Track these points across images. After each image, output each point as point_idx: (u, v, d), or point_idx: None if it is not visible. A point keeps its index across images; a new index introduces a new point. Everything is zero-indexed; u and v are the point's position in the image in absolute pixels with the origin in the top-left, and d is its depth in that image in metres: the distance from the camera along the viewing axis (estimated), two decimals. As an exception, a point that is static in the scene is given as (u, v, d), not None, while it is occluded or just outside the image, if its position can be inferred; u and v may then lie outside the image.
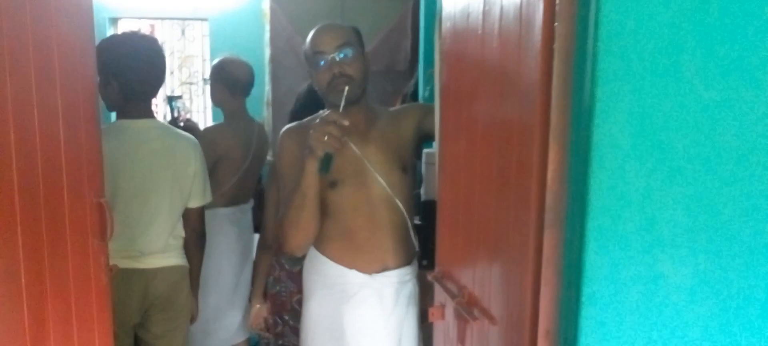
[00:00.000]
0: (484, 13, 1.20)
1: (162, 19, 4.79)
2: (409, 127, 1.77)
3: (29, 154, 1.12)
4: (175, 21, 4.81)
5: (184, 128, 2.58)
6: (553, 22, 0.94)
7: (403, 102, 3.78)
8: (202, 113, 4.99)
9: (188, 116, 2.68)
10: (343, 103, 1.53)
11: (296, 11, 3.91)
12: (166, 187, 1.96)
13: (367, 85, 1.68)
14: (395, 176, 1.69)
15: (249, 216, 2.77)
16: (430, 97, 3.20)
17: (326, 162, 1.48)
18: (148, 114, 1.99)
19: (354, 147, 1.67)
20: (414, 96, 3.77)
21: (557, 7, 0.92)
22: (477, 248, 1.26)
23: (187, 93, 5.00)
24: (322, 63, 1.61)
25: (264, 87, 4.20)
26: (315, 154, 1.48)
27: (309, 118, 1.74)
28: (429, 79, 3.40)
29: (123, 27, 4.68)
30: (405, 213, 1.71)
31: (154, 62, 1.96)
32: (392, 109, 1.85)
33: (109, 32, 4.55)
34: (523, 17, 1.03)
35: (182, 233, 2.07)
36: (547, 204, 0.91)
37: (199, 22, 4.78)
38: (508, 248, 1.08)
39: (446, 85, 1.49)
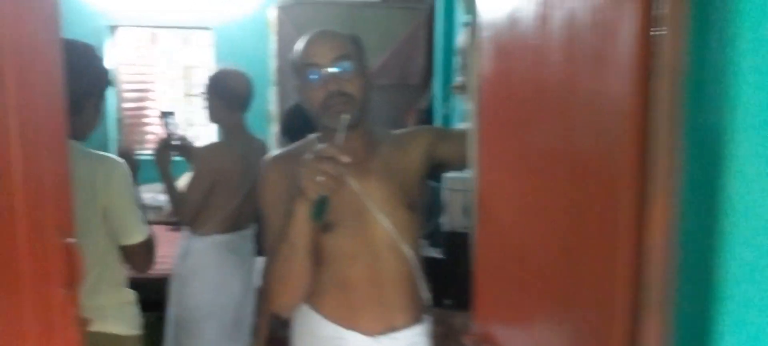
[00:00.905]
0: (540, 19, 0.96)
1: (163, 27, 4.58)
2: (418, 155, 1.48)
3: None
4: (178, 30, 4.60)
5: (179, 147, 2.34)
6: (649, 29, 0.70)
7: (418, 119, 3.55)
8: (205, 128, 4.77)
9: (181, 133, 2.42)
10: (343, 131, 1.27)
11: (304, 20, 3.69)
12: (93, 224, 1.64)
13: (369, 106, 1.42)
14: (401, 216, 1.41)
15: (250, 243, 2.53)
16: (450, 117, 2.98)
17: (320, 207, 1.21)
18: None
19: (352, 181, 1.38)
20: (429, 112, 3.55)
21: (657, 10, 0.68)
22: (536, 308, 1.01)
23: (189, 106, 4.78)
24: (315, 77, 1.33)
25: (268, 101, 3.97)
26: (307, 198, 1.21)
27: (298, 144, 1.48)
28: (447, 96, 3.17)
29: (122, 36, 4.47)
30: (414, 260, 1.44)
31: (75, 69, 1.58)
32: (396, 132, 1.56)
33: (108, 41, 4.35)
34: (601, 24, 0.79)
35: (122, 293, 1.73)
36: (647, 278, 0.67)
37: (203, 31, 4.57)
38: (586, 325, 0.83)
39: (486, 107, 1.24)
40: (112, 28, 4.37)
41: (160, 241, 2.01)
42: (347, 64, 1.34)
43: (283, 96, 3.87)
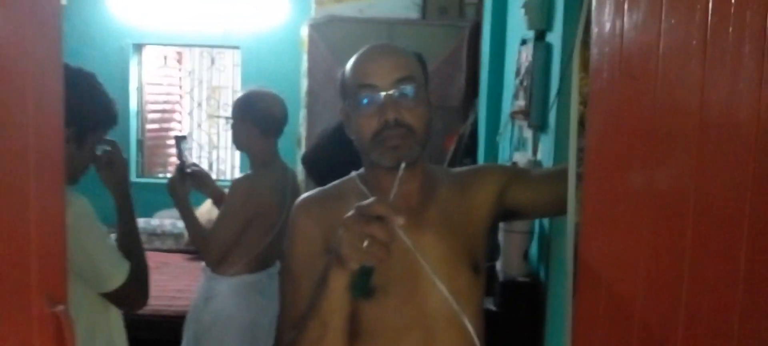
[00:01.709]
0: (681, 35, 0.67)
1: (190, 46, 4.40)
2: (485, 201, 1.20)
3: None
4: (205, 49, 4.41)
5: (194, 175, 2.10)
6: None
7: (458, 144, 3.27)
8: (231, 152, 4.56)
9: (193, 161, 2.17)
10: (399, 182, 0.99)
11: (337, 38, 3.45)
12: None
13: (429, 141, 1.14)
14: (463, 280, 1.14)
15: (275, 282, 2.26)
16: (502, 145, 2.70)
17: (363, 279, 0.92)
18: None
19: (403, 235, 1.05)
20: (472, 137, 3.27)
21: None
22: None
23: (214, 128, 4.57)
24: (369, 102, 1.09)
25: (298, 125, 3.74)
26: (346, 266, 0.93)
27: (337, 184, 1.21)
28: (496, 121, 2.89)
29: (147, 55, 4.30)
30: (475, 337, 1.14)
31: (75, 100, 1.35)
32: (457, 172, 1.27)
33: (133, 60, 4.18)
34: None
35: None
36: None
37: (230, 50, 4.37)
38: None
39: (595, 140, 0.95)
40: (137, 47, 4.19)
41: (180, 272, 1.77)
42: (410, 89, 1.08)
43: (312, 120, 3.62)
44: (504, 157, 2.63)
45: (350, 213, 0.92)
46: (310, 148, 1.73)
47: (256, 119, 2.09)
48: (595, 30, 0.90)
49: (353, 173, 1.20)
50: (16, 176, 0.86)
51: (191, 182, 2.08)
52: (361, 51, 1.15)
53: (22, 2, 0.86)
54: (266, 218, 2.08)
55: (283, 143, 3.06)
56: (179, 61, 4.58)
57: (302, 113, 3.65)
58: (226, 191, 2.17)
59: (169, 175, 4.52)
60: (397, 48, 1.15)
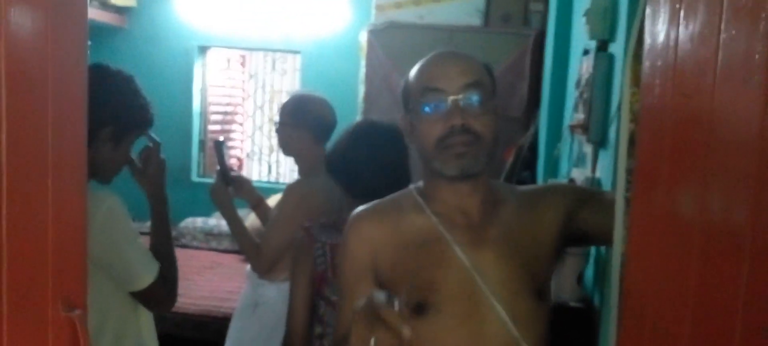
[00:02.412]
0: (765, 43, 0.57)
1: (253, 49, 4.47)
2: (553, 223, 1.12)
3: None
4: (267, 53, 4.47)
5: (236, 180, 2.07)
6: None
7: (517, 156, 3.14)
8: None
9: (234, 166, 2.14)
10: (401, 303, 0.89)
11: (396, 45, 3.41)
12: (94, 277, 1.33)
13: (496, 153, 1.09)
14: (525, 305, 1.06)
15: None
16: (561, 159, 2.57)
17: None
18: None
19: (460, 253, 1.04)
20: (532, 149, 3.14)
21: None
22: None
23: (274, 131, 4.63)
24: (435, 107, 1.05)
25: (355, 129, 3.71)
26: None
27: (394, 197, 1.17)
28: (557, 134, 2.76)
29: (212, 57, 4.40)
30: None
31: (110, 99, 1.37)
32: (524, 190, 1.21)
33: (198, 61, 4.28)
34: None
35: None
36: None
37: (291, 54, 4.41)
38: None
39: (647, 163, 0.85)
40: (202, 49, 4.30)
41: (233, 273, 1.74)
42: (478, 96, 1.04)
43: (370, 125, 3.59)
44: (562, 172, 2.49)
45: (363, 303, 0.88)
46: (337, 155, 1.65)
47: (310, 125, 2.04)
48: (647, 41, 0.80)
49: (411, 186, 1.17)
50: (33, 177, 0.85)
51: (235, 188, 2.06)
52: (427, 56, 1.12)
53: (46, 1, 0.85)
54: None
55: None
56: (242, 64, 4.66)
57: (358, 119, 3.63)
58: (272, 197, 2.14)
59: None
60: (466, 55, 1.11)
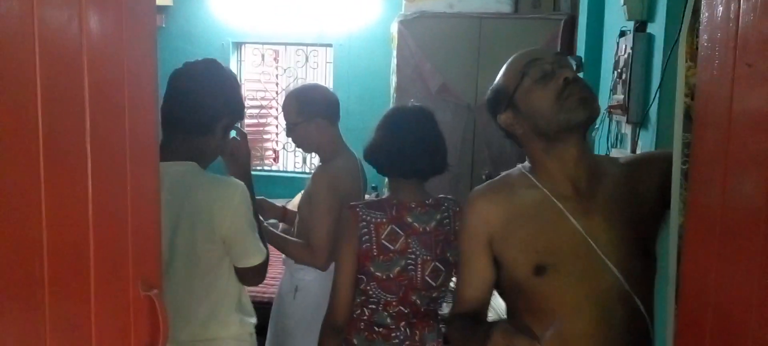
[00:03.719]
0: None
1: (286, 44, 4.53)
2: (653, 187, 1.17)
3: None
4: (300, 47, 4.53)
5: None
6: None
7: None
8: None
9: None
10: (554, 329, 1.06)
11: (426, 34, 3.43)
12: (209, 253, 1.56)
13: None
14: (637, 265, 1.15)
15: None
16: (598, 142, 2.57)
17: None
18: (171, 155, 1.52)
19: (573, 220, 1.15)
20: (566, 135, 3.14)
21: None
22: None
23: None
24: (541, 75, 1.14)
25: (388, 119, 3.75)
26: None
27: (505, 176, 1.27)
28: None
29: (246, 53, 4.48)
30: (648, 318, 1.16)
31: (186, 88, 1.53)
32: (625, 159, 1.30)
33: (233, 57, 4.37)
34: None
35: (239, 324, 1.62)
36: None
37: (324, 48, 4.47)
38: None
39: (707, 138, 0.86)
40: (237, 45, 4.38)
41: (273, 260, 1.82)
42: (570, 60, 1.16)
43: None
44: (600, 152, 2.50)
45: (499, 331, 1.04)
46: (369, 142, 1.73)
47: (322, 112, 2.04)
48: (705, 15, 0.82)
49: (519, 165, 1.26)
50: (114, 169, 0.91)
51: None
52: (511, 58, 1.21)
53: (119, 2, 0.91)
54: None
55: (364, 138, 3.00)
56: (276, 59, 4.73)
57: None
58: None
59: (266, 167, 4.71)
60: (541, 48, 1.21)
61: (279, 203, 2.36)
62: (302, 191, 2.14)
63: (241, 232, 1.53)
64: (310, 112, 2.02)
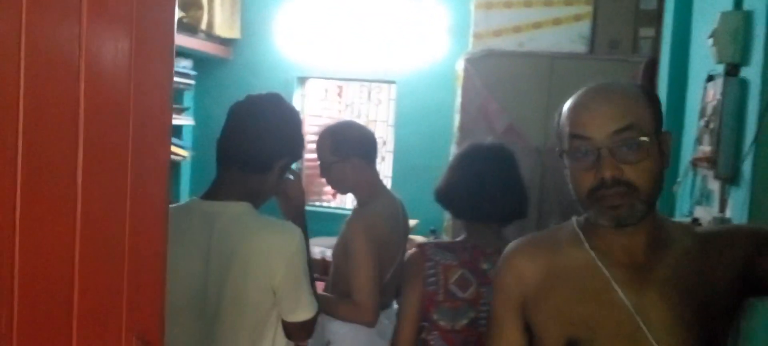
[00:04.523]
0: None
1: (349, 80, 4.50)
2: (732, 267, 1.00)
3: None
4: (363, 83, 4.48)
5: None
6: None
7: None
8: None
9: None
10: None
11: (494, 73, 3.28)
12: (256, 303, 1.43)
13: (659, 193, 1.01)
14: None
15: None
16: (670, 201, 2.31)
17: None
18: (226, 193, 1.43)
19: (621, 292, 0.99)
20: (643, 186, 2.89)
21: None
22: None
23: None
24: (584, 155, 0.99)
25: (447, 160, 3.60)
26: None
27: (554, 228, 1.13)
28: (675, 168, 2.51)
29: (310, 87, 4.47)
30: None
31: (247, 123, 1.45)
32: (703, 231, 1.10)
33: (297, 92, 4.36)
34: None
35: None
36: None
37: (387, 84, 4.39)
38: None
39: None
40: (301, 80, 4.37)
41: None
42: (633, 141, 0.95)
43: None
44: (682, 211, 2.24)
45: None
46: (442, 181, 1.60)
47: (359, 150, 1.93)
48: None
49: (573, 218, 1.11)
50: (110, 205, 0.81)
51: None
52: (578, 93, 1.04)
53: (134, 24, 0.82)
54: (387, 252, 1.90)
55: (430, 180, 2.81)
56: (339, 95, 4.71)
57: (452, 149, 3.52)
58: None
59: (325, 203, 4.64)
60: (618, 89, 1.00)
61: (317, 248, 2.24)
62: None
63: (295, 283, 1.43)
64: (346, 151, 1.90)
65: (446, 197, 1.57)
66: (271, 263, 1.38)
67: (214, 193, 1.44)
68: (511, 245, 1.14)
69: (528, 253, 1.10)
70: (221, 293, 1.37)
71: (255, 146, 1.43)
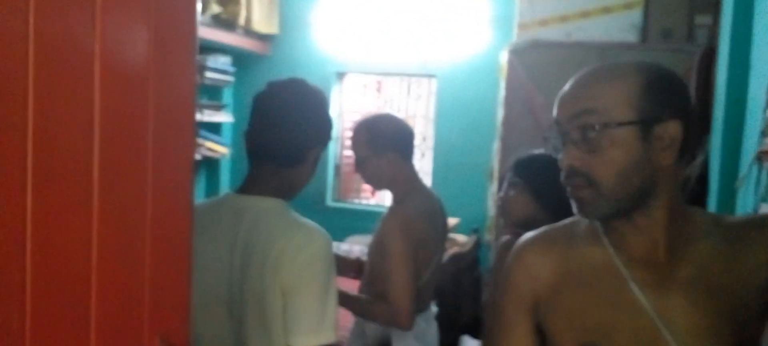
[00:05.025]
0: None
1: (389, 75, 4.42)
2: (765, 264, 0.87)
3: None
4: (402, 78, 4.40)
5: None
6: None
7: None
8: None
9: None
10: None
11: (539, 64, 3.15)
12: (269, 312, 1.28)
13: (639, 190, 0.89)
14: None
15: (434, 326, 1.99)
16: (731, 198, 2.16)
17: None
18: (258, 188, 1.34)
19: (639, 294, 0.88)
20: (700, 182, 2.72)
21: None
22: None
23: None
24: (558, 140, 0.94)
25: (491, 157, 3.49)
26: None
27: (564, 224, 1.02)
28: (734, 163, 2.34)
29: (348, 82, 4.41)
30: None
31: (275, 115, 1.35)
32: (733, 220, 0.96)
33: (335, 87, 4.31)
34: None
35: None
36: None
37: (427, 79, 4.30)
38: None
39: None
40: (340, 75, 4.32)
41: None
42: (589, 128, 0.87)
43: (506, 151, 3.34)
44: (745, 208, 2.09)
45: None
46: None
47: (396, 145, 1.84)
48: None
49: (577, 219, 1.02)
50: (130, 203, 0.75)
51: None
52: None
53: (152, 13, 0.76)
54: (424, 252, 1.82)
55: (475, 174, 2.74)
56: (378, 90, 4.64)
57: (496, 144, 3.40)
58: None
59: (364, 200, 4.58)
60: (597, 70, 0.91)
61: (354, 250, 2.17)
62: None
63: (305, 290, 1.24)
64: (382, 145, 1.82)
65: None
66: (282, 259, 1.24)
67: (246, 187, 1.38)
68: (522, 239, 1.05)
69: (540, 249, 1.00)
70: (242, 290, 1.29)
71: (287, 141, 1.35)
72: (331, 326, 1.25)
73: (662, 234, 0.90)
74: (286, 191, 1.38)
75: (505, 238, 1.54)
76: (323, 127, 1.40)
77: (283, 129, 1.34)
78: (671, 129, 0.86)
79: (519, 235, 1.45)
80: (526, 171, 1.68)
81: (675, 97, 0.88)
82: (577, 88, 0.91)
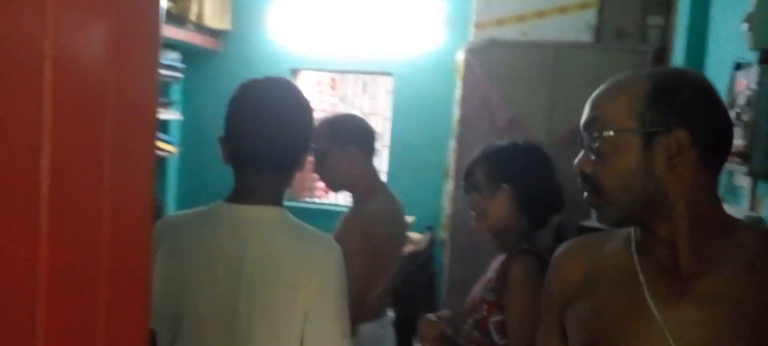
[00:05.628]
0: None
1: (344, 72, 4.35)
2: None
3: None
4: (358, 76, 4.34)
5: None
6: None
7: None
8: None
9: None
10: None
11: (496, 64, 3.15)
12: (283, 329, 1.22)
13: (643, 198, 0.89)
14: None
15: (391, 333, 1.95)
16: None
17: None
18: (257, 197, 1.25)
19: (652, 303, 0.86)
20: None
21: None
22: None
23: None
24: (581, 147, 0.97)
25: (446, 156, 3.48)
26: None
27: (609, 230, 1.02)
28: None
29: (303, 79, 4.32)
30: None
31: (262, 124, 1.24)
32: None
33: (289, 85, 4.22)
34: None
35: None
36: None
37: (383, 77, 4.25)
38: None
39: None
40: (294, 72, 4.22)
41: None
42: (596, 136, 0.89)
43: (462, 151, 3.33)
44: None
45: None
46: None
47: (359, 141, 1.80)
48: None
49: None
50: (85, 215, 0.67)
51: None
52: None
53: (113, 9, 0.68)
54: (384, 256, 1.77)
55: (431, 173, 2.66)
56: (333, 87, 4.56)
57: (451, 144, 3.39)
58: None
59: (316, 199, 4.50)
60: (611, 80, 0.94)
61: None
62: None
63: (326, 309, 1.21)
64: (345, 139, 1.78)
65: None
66: (301, 275, 1.19)
67: (241, 196, 1.26)
68: (562, 246, 1.07)
69: (573, 252, 1.03)
70: (252, 306, 1.19)
71: (289, 146, 1.27)
72: (348, 329, 1.25)
73: (683, 244, 0.88)
74: (280, 197, 1.30)
75: (503, 258, 1.46)
76: (312, 126, 1.35)
77: (285, 135, 1.25)
78: (679, 137, 0.85)
79: (514, 254, 1.41)
80: (506, 167, 1.55)
81: (684, 106, 0.86)
82: (593, 97, 0.94)
